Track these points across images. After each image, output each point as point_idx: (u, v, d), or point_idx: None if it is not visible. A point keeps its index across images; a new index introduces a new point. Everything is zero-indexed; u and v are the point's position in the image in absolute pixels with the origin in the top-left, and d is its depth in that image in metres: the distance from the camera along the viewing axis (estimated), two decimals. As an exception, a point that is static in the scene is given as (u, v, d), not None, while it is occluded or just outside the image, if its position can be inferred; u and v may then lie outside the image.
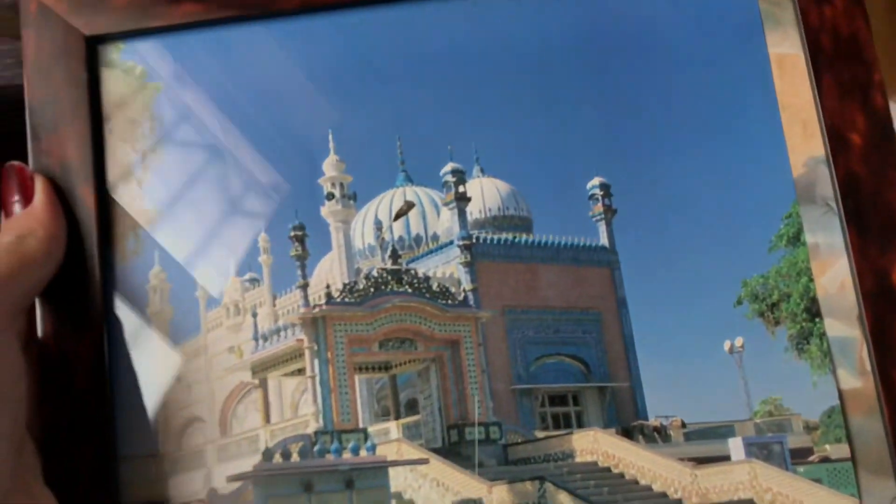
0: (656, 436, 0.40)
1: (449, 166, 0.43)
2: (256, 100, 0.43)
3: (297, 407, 0.41)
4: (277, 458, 0.40)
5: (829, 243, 0.41)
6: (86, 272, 0.41)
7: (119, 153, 0.43)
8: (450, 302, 0.44)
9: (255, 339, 0.42)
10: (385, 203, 0.45)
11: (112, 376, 0.40)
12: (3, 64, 0.76)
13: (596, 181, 0.42)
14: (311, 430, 0.41)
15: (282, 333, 0.42)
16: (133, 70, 0.43)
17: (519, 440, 0.41)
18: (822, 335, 0.40)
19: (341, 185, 0.42)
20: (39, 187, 0.40)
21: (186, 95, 0.43)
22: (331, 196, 0.42)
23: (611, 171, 0.41)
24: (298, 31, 0.43)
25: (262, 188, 0.42)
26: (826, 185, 0.42)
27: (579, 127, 0.42)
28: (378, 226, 0.44)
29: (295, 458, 0.40)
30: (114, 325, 0.41)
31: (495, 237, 0.46)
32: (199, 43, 0.43)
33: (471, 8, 0.43)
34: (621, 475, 0.40)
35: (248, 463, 0.39)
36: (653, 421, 0.40)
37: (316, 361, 0.42)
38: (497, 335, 0.42)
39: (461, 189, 0.44)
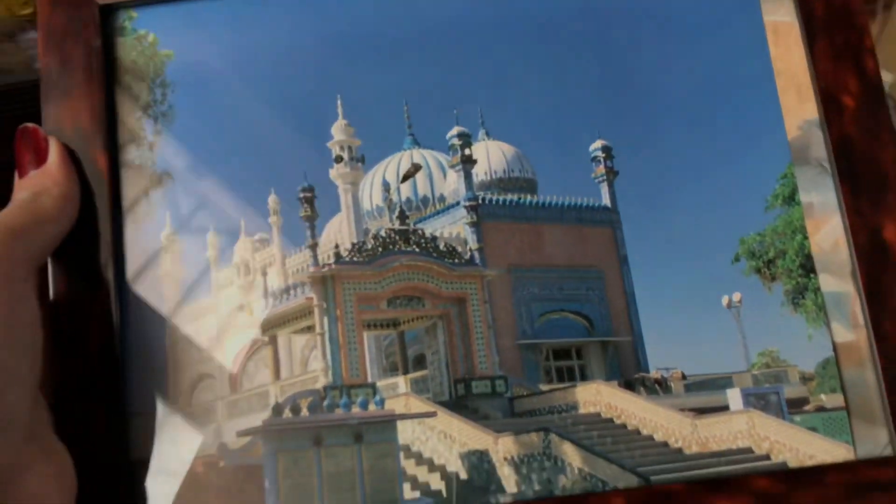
0: (657, 388, 0.41)
1: (455, 130, 0.44)
2: (266, 66, 0.44)
3: (306, 363, 0.42)
4: (287, 413, 0.40)
5: (823, 202, 0.42)
6: (98, 233, 0.42)
7: (131, 118, 0.44)
8: (456, 261, 0.45)
9: (266, 297, 0.43)
10: (393, 165, 0.46)
11: (123, 335, 0.41)
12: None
13: (598, 144, 0.43)
14: (320, 385, 0.41)
15: (291, 292, 0.43)
16: (145, 38, 0.44)
17: (524, 393, 0.41)
18: (817, 290, 0.41)
19: (350, 148, 0.43)
20: (53, 149, 0.40)
21: (198, 62, 0.44)
22: (339, 159, 0.43)
23: (613, 134, 0.42)
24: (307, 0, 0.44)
25: (271, 151, 0.43)
26: (820, 147, 0.43)
27: (582, 92, 0.43)
28: (386, 187, 0.45)
29: (304, 412, 0.40)
30: (125, 285, 0.42)
31: (501, 198, 0.47)
32: (209, 11, 0.44)
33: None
34: (624, 426, 0.41)
35: (258, 418, 0.40)
36: (654, 373, 0.41)
37: (325, 319, 0.43)
38: (503, 293, 0.43)
39: (467, 152, 0.45)
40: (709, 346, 0.41)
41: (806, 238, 0.42)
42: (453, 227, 0.46)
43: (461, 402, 0.41)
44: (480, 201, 0.45)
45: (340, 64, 0.43)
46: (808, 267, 0.41)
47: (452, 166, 0.46)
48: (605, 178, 0.43)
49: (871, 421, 0.40)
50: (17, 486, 0.32)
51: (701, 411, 0.40)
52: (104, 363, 0.40)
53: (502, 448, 0.39)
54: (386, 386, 0.41)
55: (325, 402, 0.40)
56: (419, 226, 0.44)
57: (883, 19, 0.80)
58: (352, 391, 0.41)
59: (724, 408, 0.40)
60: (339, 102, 0.43)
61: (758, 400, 0.41)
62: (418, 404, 0.40)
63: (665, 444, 0.40)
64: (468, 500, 0.38)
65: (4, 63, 0.79)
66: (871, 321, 0.40)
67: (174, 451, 0.40)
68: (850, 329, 0.41)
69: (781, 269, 0.42)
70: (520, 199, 0.46)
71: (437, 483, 0.39)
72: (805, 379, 0.41)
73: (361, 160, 0.43)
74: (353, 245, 0.43)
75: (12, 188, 0.40)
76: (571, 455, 0.39)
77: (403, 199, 0.45)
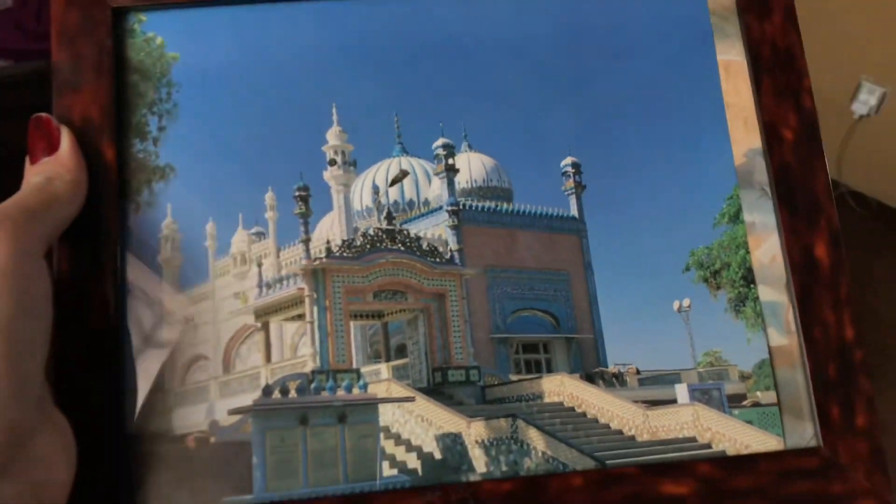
0: (614, 381, 0.46)
1: (440, 141, 0.48)
2: (267, 73, 0.47)
3: (296, 348, 0.45)
4: (276, 394, 0.43)
5: (763, 222, 0.48)
6: (103, 219, 0.44)
7: (137, 114, 0.46)
8: (438, 260, 0.49)
9: (260, 286, 0.46)
10: (382, 170, 0.50)
11: (122, 315, 0.44)
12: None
13: (569, 160, 0.47)
14: (308, 369, 0.44)
15: (284, 282, 0.46)
16: (153, 40, 0.47)
17: (495, 382, 0.45)
18: (756, 299, 0.46)
19: (343, 152, 0.47)
20: (65, 138, 0.43)
21: (202, 65, 0.47)
22: (333, 162, 0.46)
23: (582, 152, 0.47)
24: (309, 12, 0.48)
25: (269, 151, 0.46)
26: (762, 173, 0.48)
27: (556, 112, 0.47)
28: (375, 190, 0.49)
29: (293, 394, 0.43)
30: (127, 269, 0.44)
31: (480, 205, 0.51)
32: (215, 17, 0.47)
33: (467, 2, 0.48)
34: (584, 414, 0.45)
35: (248, 398, 0.43)
36: (612, 368, 0.46)
37: (315, 308, 0.46)
38: (479, 290, 0.47)
39: (451, 161, 0.49)
40: (661, 345, 0.46)
41: (748, 253, 0.47)
42: (436, 229, 0.50)
43: (438, 389, 0.45)
44: (461, 207, 0.49)
45: (337, 73, 0.47)
46: (749, 278, 0.47)
47: (437, 174, 0.50)
48: (573, 191, 0.48)
49: (800, 416, 0.45)
50: (28, 449, 0.35)
51: (652, 403, 0.45)
52: (102, 341, 0.43)
53: (474, 432, 0.43)
54: (369, 372, 0.45)
55: (313, 385, 0.44)
56: (405, 226, 0.48)
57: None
58: (337, 376, 0.44)
59: (673, 401, 0.45)
60: (334, 109, 0.46)
61: (702, 395, 0.45)
62: (399, 389, 0.44)
63: (620, 432, 0.45)
64: (442, 478, 0.42)
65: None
66: (801, 328, 0.46)
67: (167, 426, 0.42)
68: (784, 334, 0.46)
69: (726, 279, 0.47)
70: (497, 206, 0.51)
71: (413, 462, 0.42)
72: (743, 377, 0.45)
73: (354, 164, 0.47)
74: (344, 241, 0.47)
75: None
76: (536, 439, 0.43)
77: (391, 201, 0.49)
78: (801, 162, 0.48)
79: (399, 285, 0.47)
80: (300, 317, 0.46)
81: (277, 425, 0.42)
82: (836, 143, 2.10)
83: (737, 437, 0.44)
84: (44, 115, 0.43)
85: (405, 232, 0.47)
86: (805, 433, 0.44)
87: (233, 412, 0.42)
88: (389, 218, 0.47)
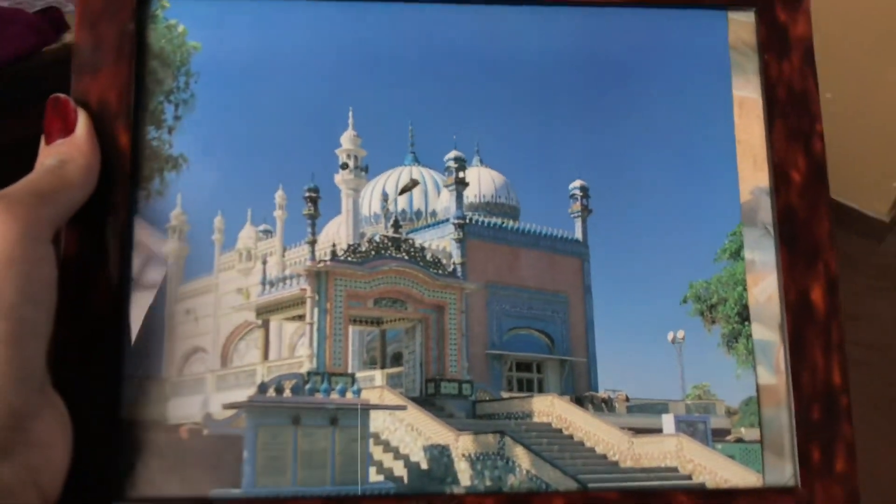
0: (603, 406, 0.46)
1: (452, 153, 0.48)
2: (287, 69, 0.47)
3: (294, 348, 0.46)
4: (271, 392, 0.44)
5: (763, 261, 0.48)
6: (112, 205, 0.44)
7: (154, 101, 0.46)
8: (440, 272, 0.49)
9: (263, 283, 0.46)
10: (393, 178, 0.50)
11: (125, 302, 0.44)
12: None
13: (577, 183, 0.48)
14: (304, 370, 0.45)
15: (288, 282, 0.47)
16: (175, 27, 0.47)
17: (487, 398, 0.46)
18: (749, 336, 0.47)
19: (356, 157, 0.47)
20: (81, 120, 0.43)
21: (223, 57, 0.47)
22: (345, 166, 0.47)
23: (591, 175, 0.48)
24: (332, 14, 0.48)
25: (283, 149, 0.47)
26: (767, 212, 0.49)
27: (568, 134, 0.48)
28: (385, 197, 0.49)
29: (287, 393, 0.44)
30: (131, 257, 0.45)
31: (486, 220, 0.52)
32: (239, 11, 0.48)
33: (488, 16, 0.49)
34: (570, 436, 0.46)
35: (243, 394, 0.43)
36: (602, 393, 0.46)
37: (316, 310, 0.47)
38: (478, 305, 0.48)
39: (461, 174, 0.50)
40: (652, 374, 0.46)
41: (745, 290, 0.48)
42: (441, 241, 0.50)
43: (430, 400, 0.46)
44: (468, 221, 0.50)
45: (356, 77, 0.47)
46: (744, 315, 0.47)
47: (447, 186, 0.51)
48: (580, 214, 0.48)
49: (781, 455, 0.46)
50: (28, 431, 0.35)
51: (638, 431, 0.46)
52: (105, 326, 0.43)
53: (462, 445, 0.44)
54: (364, 377, 0.45)
55: (307, 386, 0.44)
56: (410, 236, 0.48)
57: None
58: (332, 379, 0.44)
59: (658, 430, 0.46)
60: (350, 113, 0.47)
61: (687, 426, 0.46)
62: (391, 397, 0.44)
63: (604, 457, 0.46)
64: (426, 488, 0.43)
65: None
66: (791, 369, 0.46)
67: (162, 414, 0.43)
68: (773, 374, 0.47)
69: (721, 314, 0.48)
70: (503, 223, 0.51)
71: (399, 470, 0.43)
72: (729, 413, 0.46)
73: (365, 169, 0.47)
74: (349, 246, 0.47)
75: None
76: (522, 457, 0.44)
77: (399, 209, 0.49)
78: (806, 206, 0.49)
79: (400, 294, 0.48)
80: (300, 317, 0.46)
81: (270, 423, 0.43)
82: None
83: (718, 470, 0.45)
84: (62, 95, 0.44)
85: (410, 241, 0.48)
86: (785, 472, 0.45)
87: (227, 406, 0.43)
88: (396, 226, 0.47)
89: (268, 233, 0.46)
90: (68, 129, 0.43)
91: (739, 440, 0.46)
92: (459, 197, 0.50)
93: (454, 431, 0.44)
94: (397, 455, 0.43)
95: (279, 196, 0.46)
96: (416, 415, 0.44)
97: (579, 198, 0.48)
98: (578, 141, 0.48)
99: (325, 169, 0.46)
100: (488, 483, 0.43)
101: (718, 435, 0.46)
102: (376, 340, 0.49)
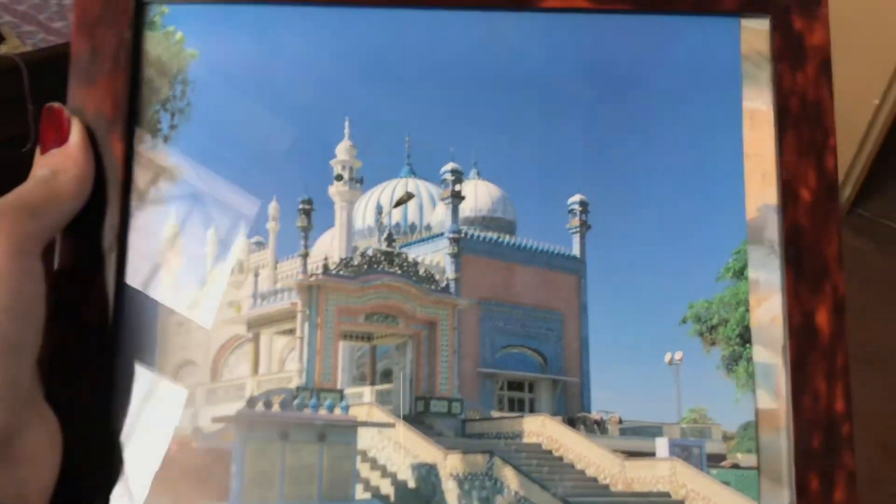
0: (596, 428, 0.46)
1: (449, 166, 0.47)
2: (284, 79, 0.46)
3: (283, 363, 0.46)
4: (260, 407, 0.44)
5: (768, 281, 0.47)
6: (106, 216, 0.44)
7: (150, 110, 0.46)
8: (433, 287, 0.49)
9: (254, 297, 0.46)
10: (388, 191, 0.49)
11: (117, 314, 0.44)
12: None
13: (576, 198, 0.47)
14: (293, 385, 0.45)
15: (279, 295, 0.47)
16: (173, 34, 0.47)
17: (477, 417, 0.46)
18: (750, 359, 0.46)
19: (351, 168, 0.46)
20: (75, 130, 0.43)
21: (220, 65, 0.47)
22: (340, 177, 0.46)
23: (590, 191, 0.46)
24: (330, 22, 0.47)
25: (278, 160, 0.46)
26: (774, 231, 0.47)
27: (569, 148, 0.47)
28: (379, 210, 0.49)
29: (276, 408, 0.44)
30: (125, 267, 0.45)
31: (482, 235, 0.51)
32: (237, 19, 0.47)
33: (489, 26, 0.47)
34: (561, 458, 0.46)
35: (233, 407, 0.43)
36: (594, 414, 0.46)
37: (306, 325, 0.47)
38: (471, 322, 0.47)
39: (458, 188, 0.49)
40: (647, 396, 0.45)
41: (748, 311, 0.46)
42: (435, 256, 0.49)
43: (419, 418, 0.45)
44: (463, 235, 0.49)
45: (353, 87, 0.47)
46: (745, 337, 0.46)
47: (442, 199, 0.50)
48: (578, 230, 0.47)
49: (778, 482, 0.45)
50: (17, 445, 0.36)
51: (631, 454, 0.45)
52: (97, 338, 0.43)
53: (450, 464, 0.44)
54: (353, 394, 0.45)
55: (296, 401, 0.44)
56: (404, 250, 0.48)
57: None
58: (321, 394, 0.44)
59: (652, 454, 0.45)
60: (347, 124, 0.46)
61: (682, 451, 0.45)
62: (380, 414, 0.44)
63: (594, 480, 0.45)
64: (413, 506, 0.43)
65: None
66: (792, 393, 0.45)
67: (153, 427, 0.43)
68: (774, 398, 0.46)
69: (722, 335, 0.46)
70: (499, 238, 0.50)
71: (386, 488, 0.43)
72: (726, 437, 0.45)
73: (360, 181, 0.46)
74: (342, 260, 0.47)
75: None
76: (510, 478, 0.44)
77: (393, 223, 0.49)
78: (816, 225, 0.47)
79: (392, 309, 0.48)
80: (291, 331, 0.46)
81: (258, 437, 0.43)
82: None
83: (711, 496, 0.44)
84: (56, 105, 0.44)
85: (404, 255, 0.47)
86: (781, 500, 0.44)
87: (216, 420, 0.43)
88: (390, 240, 0.47)
89: (260, 245, 0.46)
90: (62, 139, 0.43)
91: (735, 466, 0.45)
92: (455, 210, 0.49)
93: (442, 450, 0.44)
94: (385, 473, 0.43)
95: (272, 207, 0.45)
96: (404, 433, 0.44)
97: (578, 213, 0.47)
98: (579, 154, 0.47)
99: (319, 180, 0.46)
100: (475, 503, 0.43)
101: (714, 460, 0.45)
102: (366, 356, 0.48)
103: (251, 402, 0.43)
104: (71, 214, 0.42)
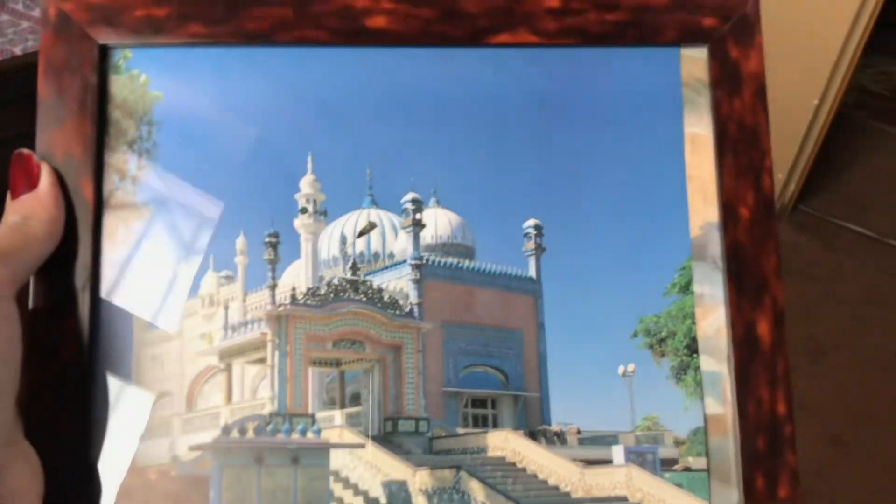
0: (556, 439, 0.48)
1: (409, 195, 0.50)
2: (246, 118, 0.48)
3: (255, 391, 0.48)
4: (235, 434, 0.46)
5: (712, 295, 0.50)
6: (78, 256, 0.46)
7: (118, 152, 0.48)
8: (397, 312, 0.51)
9: (225, 328, 0.48)
10: (351, 221, 0.52)
11: (93, 350, 0.46)
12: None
13: (531, 222, 0.49)
14: (266, 411, 0.47)
15: (249, 326, 0.49)
16: (137, 78, 0.48)
17: (443, 434, 0.48)
18: (697, 369, 0.49)
19: (315, 201, 0.48)
20: (45, 174, 0.44)
21: (184, 106, 0.49)
22: (304, 210, 0.48)
23: (544, 214, 0.49)
24: (291, 62, 0.49)
25: (243, 196, 0.48)
26: (716, 247, 0.50)
27: (523, 175, 0.49)
28: (343, 241, 0.51)
29: (250, 434, 0.46)
30: (98, 304, 0.46)
31: (442, 260, 0.53)
32: (200, 60, 0.49)
33: (442, 60, 0.50)
34: (524, 469, 0.48)
35: (208, 435, 0.45)
36: (554, 426, 0.48)
37: (276, 353, 0.49)
38: (435, 344, 0.50)
39: (418, 216, 0.51)
40: (602, 407, 0.48)
41: (694, 323, 0.49)
42: (398, 282, 0.52)
43: (388, 438, 0.47)
44: (425, 262, 0.52)
45: (314, 123, 0.49)
46: (692, 348, 0.49)
47: (404, 228, 0.52)
48: (533, 252, 0.50)
49: (727, 482, 0.48)
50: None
51: (590, 462, 0.48)
52: (74, 374, 0.45)
53: (419, 480, 0.46)
54: (324, 417, 0.47)
55: (269, 427, 0.46)
56: (369, 278, 0.50)
57: None
58: (293, 419, 0.46)
59: (609, 461, 0.48)
60: (309, 159, 0.48)
61: (637, 457, 0.48)
62: (350, 436, 0.46)
63: (556, 488, 0.48)
64: (385, 522, 0.45)
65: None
66: (737, 400, 0.48)
67: (130, 456, 0.45)
68: (721, 405, 0.49)
69: (670, 347, 0.49)
70: (458, 263, 0.53)
71: (359, 506, 0.45)
72: (678, 443, 0.48)
73: (324, 213, 0.48)
74: (308, 289, 0.49)
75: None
76: (477, 491, 0.46)
77: (357, 252, 0.51)
78: (755, 241, 0.50)
79: (358, 335, 0.50)
80: (262, 360, 0.48)
81: (234, 463, 0.45)
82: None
83: (666, 498, 0.47)
84: (25, 151, 0.45)
85: (368, 283, 0.49)
86: (730, 499, 0.47)
87: (193, 448, 0.45)
88: (354, 269, 0.49)
89: (229, 278, 0.48)
90: (32, 185, 0.44)
91: (687, 469, 0.48)
92: (416, 238, 0.51)
93: (411, 467, 0.46)
94: (357, 491, 0.45)
95: (240, 242, 0.47)
96: (374, 452, 0.46)
97: (533, 236, 0.50)
98: (532, 180, 0.49)
99: (285, 214, 0.48)
100: (444, 516, 0.45)
101: (667, 464, 0.48)
102: (335, 381, 0.50)
103: (226, 429, 0.45)
104: (43, 257, 0.43)
